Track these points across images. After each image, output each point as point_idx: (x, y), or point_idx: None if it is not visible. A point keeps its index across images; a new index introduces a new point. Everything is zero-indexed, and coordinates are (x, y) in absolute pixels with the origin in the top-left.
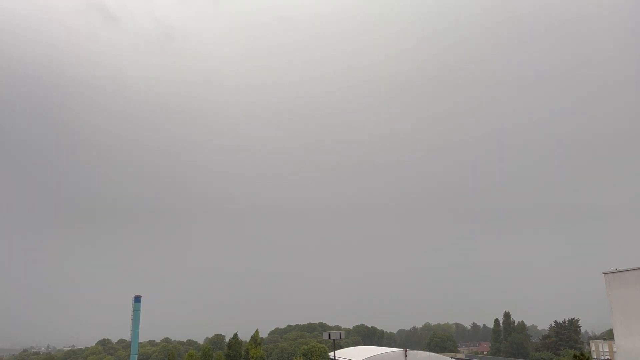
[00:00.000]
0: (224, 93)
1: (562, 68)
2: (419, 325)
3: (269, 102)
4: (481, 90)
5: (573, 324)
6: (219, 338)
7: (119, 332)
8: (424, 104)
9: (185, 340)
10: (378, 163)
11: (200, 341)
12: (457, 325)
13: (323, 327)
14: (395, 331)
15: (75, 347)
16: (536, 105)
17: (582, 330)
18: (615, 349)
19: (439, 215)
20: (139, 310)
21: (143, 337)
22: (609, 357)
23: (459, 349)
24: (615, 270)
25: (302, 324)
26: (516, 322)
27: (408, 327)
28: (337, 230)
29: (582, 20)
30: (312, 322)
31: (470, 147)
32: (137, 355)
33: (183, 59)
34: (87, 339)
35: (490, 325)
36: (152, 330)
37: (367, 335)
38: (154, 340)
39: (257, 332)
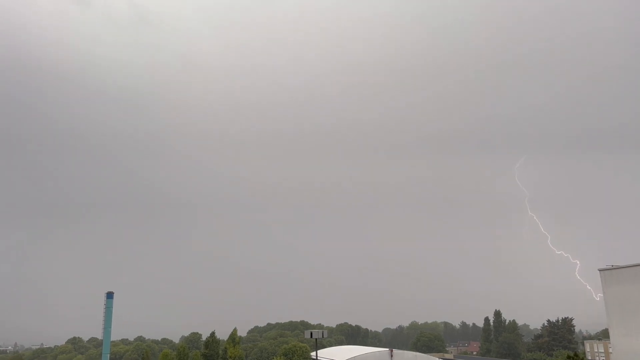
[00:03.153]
0: (201, 78)
1: (565, 49)
2: (406, 323)
3: (249, 87)
4: (474, 75)
5: (567, 323)
6: (195, 337)
7: (90, 330)
8: (413, 88)
9: (159, 339)
10: (362, 151)
11: (176, 340)
12: (446, 324)
13: (305, 325)
14: (380, 330)
15: (45, 346)
16: (534, 90)
17: (577, 329)
18: (611, 350)
19: (427, 208)
20: (112, 307)
21: (115, 336)
22: (604, 358)
23: (447, 349)
24: (611, 267)
25: (282, 322)
26: (507, 321)
27: (394, 326)
28: (318, 224)
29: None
30: (294, 320)
31: (460, 136)
32: (109, 355)
33: (158, 43)
34: (56, 337)
35: (480, 324)
36: (125, 328)
37: (351, 335)
38: (127, 339)
39: (235, 330)
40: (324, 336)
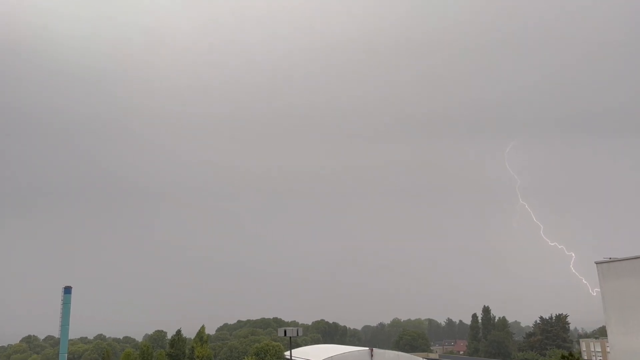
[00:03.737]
0: (167, 56)
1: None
2: (387, 321)
3: (218, 65)
4: (461, 53)
5: (561, 320)
6: (159, 335)
7: (46, 327)
8: (395, 68)
9: (121, 338)
10: (340, 135)
11: (139, 338)
12: (430, 321)
13: (278, 322)
14: (359, 328)
15: None
16: (525, 70)
17: (571, 327)
18: (608, 349)
19: (410, 196)
20: (69, 303)
21: (74, 334)
22: (601, 358)
23: (432, 348)
24: (609, 260)
25: (254, 319)
26: (497, 318)
27: (374, 323)
28: (292, 214)
29: None
30: (266, 317)
31: (446, 119)
32: (67, 354)
33: (120, 17)
34: (9, 336)
35: (468, 321)
36: (84, 326)
37: (328, 332)
38: (86, 337)
39: (203, 328)
40: (299, 334)
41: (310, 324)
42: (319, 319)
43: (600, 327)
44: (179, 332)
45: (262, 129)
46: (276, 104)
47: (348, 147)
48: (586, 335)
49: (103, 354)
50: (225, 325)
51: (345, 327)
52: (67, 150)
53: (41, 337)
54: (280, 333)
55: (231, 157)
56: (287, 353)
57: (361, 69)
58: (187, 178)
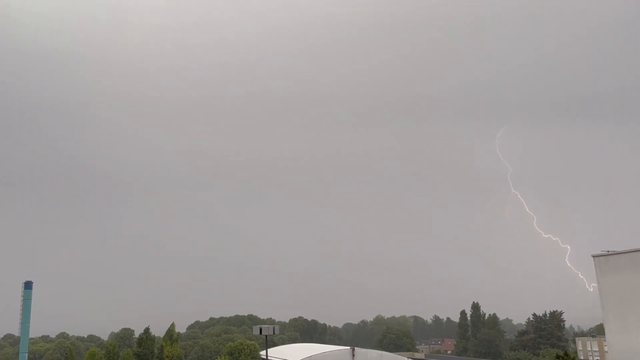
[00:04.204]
0: (135, 36)
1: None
2: (370, 318)
3: (190, 46)
4: (449, 32)
5: (555, 318)
6: (126, 333)
7: (5, 325)
8: (379, 48)
9: (85, 336)
10: (320, 120)
11: (104, 337)
12: (416, 318)
13: (253, 320)
14: (340, 325)
15: None
16: (518, 50)
17: (567, 325)
18: (606, 348)
19: (394, 185)
20: (30, 298)
21: (35, 332)
22: (598, 358)
23: (417, 347)
24: (606, 253)
25: (227, 316)
26: (487, 315)
27: (356, 321)
28: (269, 204)
29: None
30: (240, 314)
31: (433, 103)
32: (27, 354)
33: None
34: None
35: (456, 319)
36: (46, 324)
37: (306, 331)
38: (47, 336)
39: (173, 325)
40: (275, 332)
41: (287, 321)
42: (297, 316)
43: (597, 325)
44: (147, 330)
45: (236, 114)
46: (252, 87)
47: (328, 133)
48: (582, 334)
49: (66, 353)
50: (197, 322)
51: (325, 324)
52: (27, 136)
53: (0, 335)
54: (256, 331)
55: (204, 144)
56: (262, 353)
57: (342, 49)
58: (157, 166)
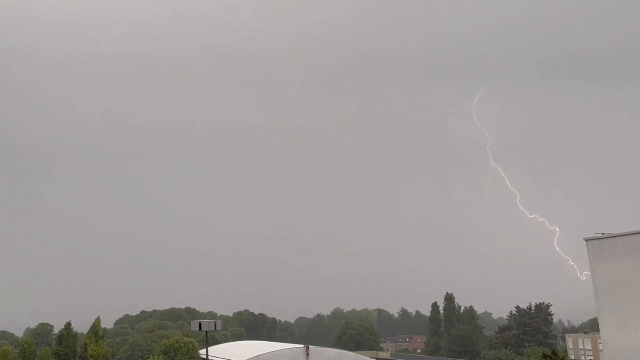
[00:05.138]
0: None
1: None
2: (327, 312)
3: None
4: None
5: (542, 311)
6: (44, 329)
7: None
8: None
9: None
10: (268, 82)
11: (19, 334)
12: (380, 312)
13: (191, 314)
14: (292, 320)
15: None
16: (498, 1)
17: (555, 319)
18: (601, 346)
19: (355, 157)
20: None
21: None
22: (591, 358)
23: (382, 345)
24: (601, 236)
25: (161, 309)
26: (462, 308)
27: (311, 315)
28: (209, 179)
29: None
30: (176, 307)
31: (401, 61)
32: None
33: None
34: None
35: (426, 312)
36: None
37: (253, 326)
38: None
39: (98, 320)
40: (217, 328)
41: (231, 315)
42: (242, 310)
43: (590, 320)
44: (68, 325)
45: (171, 76)
46: (189, 44)
47: (278, 97)
48: (573, 330)
49: None
50: (126, 317)
51: (274, 319)
52: None
53: None
54: (194, 327)
55: (134, 110)
56: (202, 351)
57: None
58: (80, 135)
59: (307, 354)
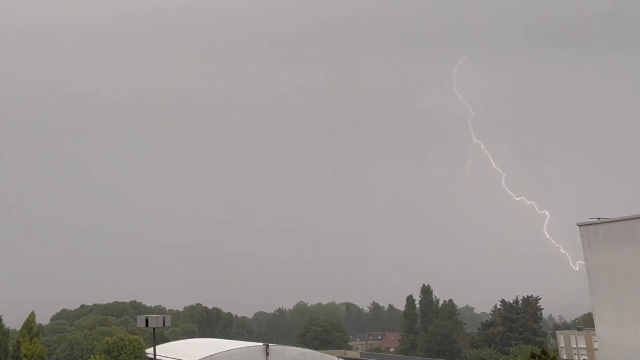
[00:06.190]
0: None
1: None
2: (289, 306)
3: None
4: None
5: (530, 306)
6: None
7: None
8: None
9: None
10: (223, 49)
11: None
12: (349, 306)
13: (137, 308)
14: (250, 315)
15: None
16: None
17: (545, 314)
18: (596, 344)
19: (320, 132)
20: None
21: None
22: (585, 357)
23: (351, 343)
24: (597, 221)
25: (104, 303)
26: (441, 302)
27: (271, 310)
28: (158, 158)
29: None
30: (120, 300)
31: (373, 25)
32: None
33: None
34: None
35: (401, 307)
36: None
37: (206, 322)
38: None
39: (32, 315)
40: (166, 324)
41: (182, 310)
42: (194, 304)
43: (584, 315)
44: None
45: (116, 40)
46: (136, 5)
47: (235, 65)
48: (565, 326)
49: None
50: (64, 311)
51: (230, 314)
52: None
53: None
54: (141, 323)
55: (74, 79)
56: (149, 350)
57: None
58: (13, 108)
59: (267, 354)
